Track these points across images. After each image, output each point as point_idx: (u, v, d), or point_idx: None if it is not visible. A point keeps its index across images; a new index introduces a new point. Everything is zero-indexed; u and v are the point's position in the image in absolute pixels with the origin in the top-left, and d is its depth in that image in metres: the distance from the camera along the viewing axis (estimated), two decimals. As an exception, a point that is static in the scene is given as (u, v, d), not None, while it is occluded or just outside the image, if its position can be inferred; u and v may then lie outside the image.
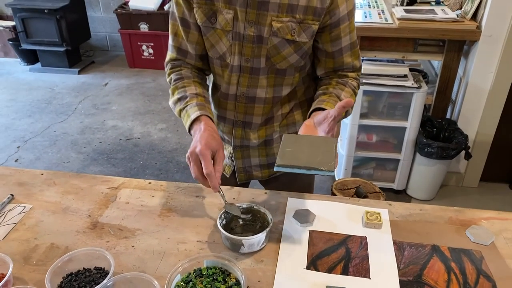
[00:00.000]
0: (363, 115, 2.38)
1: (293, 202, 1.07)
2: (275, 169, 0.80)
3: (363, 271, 0.88)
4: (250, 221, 0.97)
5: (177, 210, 1.05)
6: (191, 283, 0.83)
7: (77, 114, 3.64)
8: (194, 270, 0.85)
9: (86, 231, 0.99)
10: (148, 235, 0.97)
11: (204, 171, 0.89)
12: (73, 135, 3.33)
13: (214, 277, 0.83)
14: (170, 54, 1.11)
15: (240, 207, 0.97)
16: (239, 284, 0.82)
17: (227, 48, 1.01)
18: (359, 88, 1.12)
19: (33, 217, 1.04)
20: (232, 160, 1.20)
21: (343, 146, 2.52)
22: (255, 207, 0.97)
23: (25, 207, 1.07)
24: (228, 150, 1.22)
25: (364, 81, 2.25)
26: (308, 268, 0.88)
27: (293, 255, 0.91)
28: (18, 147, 3.18)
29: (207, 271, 0.85)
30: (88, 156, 3.05)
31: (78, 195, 1.11)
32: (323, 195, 1.11)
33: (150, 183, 1.16)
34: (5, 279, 0.82)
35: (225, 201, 0.96)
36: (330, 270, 0.88)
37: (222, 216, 0.95)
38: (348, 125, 2.40)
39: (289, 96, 1.13)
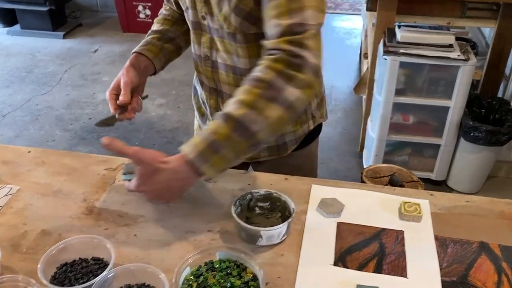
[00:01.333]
0: (399, 92, 2.37)
1: (318, 190, 1.09)
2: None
3: (399, 270, 0.90)
4: (268, 210, 0.99)
5: (185, 196, 1.06)
6: (202, 277, 0.84)
7: (63, 86, 3.68)
8: (206, 263, 0.87)
9: (81, 217, 1.01)
10: (153, 223, 0.99)
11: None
12: (58, 109, 3.37)
13: (228, 271, 0.85)
14: None
15: (258, 194, 0.99)
16: (256, 279, 0.83)
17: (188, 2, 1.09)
18: (287, 63, 0.85)
19: (21, 199, 1.07)
20: None
21: (374, 128, 2.52)
22: (274, 194, 0.98)
23: (11, 188, 1.10)
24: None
25: (401, 51, 2.24)
26: (335, 264, 0.90)
27: (318, 249, 0.93)
28: (-5, 123, 3.23)
29: (220, 264, 0.86)
30: (76, 134, 3.10)
31: (71, 176, 1.14)
32: (353, 183, 1.12)
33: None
34: (-9, 267, 0.85)
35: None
36: (361, 268, 0.90)
37: (237, 203, 0.97)
38: (381, 103, 2.40)
39: None
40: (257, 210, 0.99)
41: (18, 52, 4.19)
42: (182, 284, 0.84)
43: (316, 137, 1.31)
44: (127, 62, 1.13)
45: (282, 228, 0.92)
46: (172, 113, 3.33)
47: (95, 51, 4.21)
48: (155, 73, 1.19)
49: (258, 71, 0.88)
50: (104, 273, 0.83)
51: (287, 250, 0.93)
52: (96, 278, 0.82)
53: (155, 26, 1.24)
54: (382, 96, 2.38)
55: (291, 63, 0.86)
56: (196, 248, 0.89)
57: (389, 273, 0.89)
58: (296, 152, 1.27)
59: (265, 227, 0.92)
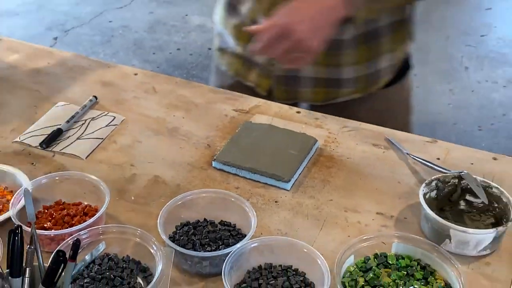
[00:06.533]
0: None
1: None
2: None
3: None
4: (478, 209, 0.89)
5: (344, 161, 1.01)
6: (371, 272, 0.79)
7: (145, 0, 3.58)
8: (376, 255, 0.82)
9: (205, 167, 0.99)
10: (302, 192, 0.95)
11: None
12: (138, 31, 3.29)
13: (409, 271, 0.79)
14: None
15: (470, 182, 0.87)
16: (451, 289, 0.77)
17: None
18: None
19: (127, 134, 1.06)
20: (273, 65, 1.14)
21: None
22: (495, 189, 0.87)
23: (114, 117, 1.10)
24: None
25: None
26: None
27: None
28: (55, 39, 3.15)
29: (397, 260, 0.81)
30: (159, 68, 2.99)
31: (191, 113, 1.12)
32: None
33: (299, 112, 1.13)
34: (98, 213, 0.83)
35: None
36: None
37: (433, 184, 0.89)
38: None
39: None
40: (462, 205, 0.90)
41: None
42: (345, 277, 0.78)
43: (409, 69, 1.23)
44: None
45: (483, 236, 0.82)
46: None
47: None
48: None
49: None
50: (242, 243, 0.79)
51: (497, 260, 0.83)
52: (232, 248, 0.78)
53: None
54: None
55: None
56: (359, 233, 0.85)
57: None
58: (387, 89, 1.19)
59: (461, 226, 0.83)
